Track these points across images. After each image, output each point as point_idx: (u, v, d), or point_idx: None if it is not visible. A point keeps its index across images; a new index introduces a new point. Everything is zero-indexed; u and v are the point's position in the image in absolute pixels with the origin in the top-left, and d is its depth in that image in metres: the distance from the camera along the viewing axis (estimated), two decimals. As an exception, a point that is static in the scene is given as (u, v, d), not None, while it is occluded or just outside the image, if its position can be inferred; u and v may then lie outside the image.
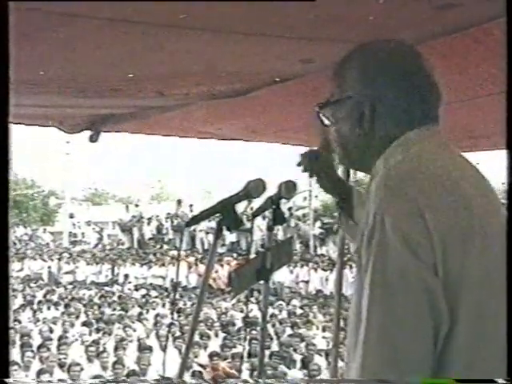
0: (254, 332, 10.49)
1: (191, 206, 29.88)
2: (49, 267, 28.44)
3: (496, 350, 1.54)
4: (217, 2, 2.11)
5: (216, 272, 22.29)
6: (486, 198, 1.64)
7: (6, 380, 1.62)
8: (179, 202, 32.35)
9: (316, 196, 32.35)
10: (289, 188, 2.62)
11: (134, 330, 14.39)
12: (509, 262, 1.53)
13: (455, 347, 1.52)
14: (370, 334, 1.52)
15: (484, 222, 1.58)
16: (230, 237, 26.31)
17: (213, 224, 2.57)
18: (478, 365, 1.54)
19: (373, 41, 1.82)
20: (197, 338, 12.54)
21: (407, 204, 1.54)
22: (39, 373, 10.49)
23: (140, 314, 17.07)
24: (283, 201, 2.63)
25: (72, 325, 15.14)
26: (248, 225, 2.65)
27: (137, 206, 35.41)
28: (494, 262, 1.55)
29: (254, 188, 2.41)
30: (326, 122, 1.85)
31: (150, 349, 11.74)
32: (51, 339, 13.11)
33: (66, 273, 27.84)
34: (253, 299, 14.82)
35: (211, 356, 11.51)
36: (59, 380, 9.38)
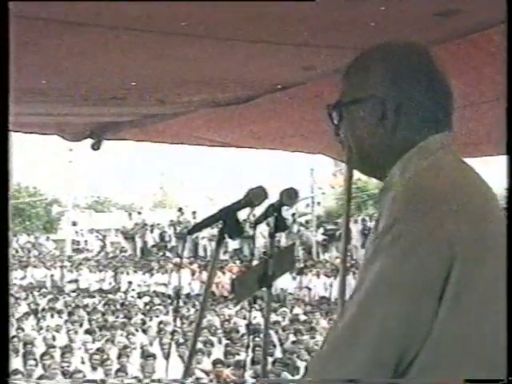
0: (257, 339, 10.47)
1: (194, 213, 29.90)
2: (52, 275, 28.44)
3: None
4: (218, 10, 2.12)
5: (219, 277, 22.29)
6: (495, 209, 1.63)
7: (7, 380, 1.62)
8: (180, 209, 32.40)
9: (319, 203, 32.37)
10: (290, 195, 2.63)
11: (134, 337, 14.38)
12: (509, 262, 1.52)
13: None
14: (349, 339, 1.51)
15: (495, 234, 1.56)
16: (232, 244, 26.30)
17: (216, 231, 2.57)
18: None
19: (395, 41, 1.78)
20: (200, 345, 12.52)
21: (426, 216, 1.51)
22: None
23: (143, 321, 17.06)
24: (285, 208, 2.64)
25: (76, 332, 15.12)
26: (250, 232, 2.65)
27: (139, 213, 35.44)
28: (500, 273, 1.54)
29: (255, 196, 2.41)
30: (337, 121, 1.77)
31: (153, 356, 11.73)
32: (54, 347, 13.10)
33: (70, 281, 27.84)
34: (256, 306, 14.81)
35: (215, 363, 11.50)
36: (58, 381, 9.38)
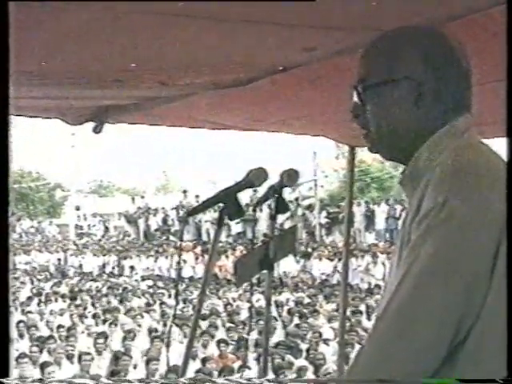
0: (261, 322, 10.50)
1: (197, 196, 29.92)
2: (57, 259, 28.52)
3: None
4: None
5: (222, 261, 22.36)
6: None
7: (6, 380, 1.61)
8: (185, 191, 32.44)
9: (322, 186, 32.36)
10: (291, 176, 2.62)
11: (138, 320, 14.43)
12: (509, 260, 1.53)
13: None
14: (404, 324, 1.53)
15: None
16: (235, 227, 26.34)
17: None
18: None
19: (420, 25, 1.85)
20: (204, 328, 12.56)
21: (476, 192, 1.55)
22: (45, 365, 10.46)
23: (147, 304, 17.12)
24: (287, 190, 2.63)
25: (79, 316, 15.18)
26: (252, 214, 2.65)
27: (142, 197, 35.50)
28: None
29: (255, 177, 2.41)
30: (361, 102, 1.81)
31: (157, 338, 11.77)
32: (58, 331, 13.16)
33: (73, 265, 27.92)
34: (260, 289, 14.86)
35: (219, 344, 11.54)
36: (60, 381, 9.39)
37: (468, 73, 1.78)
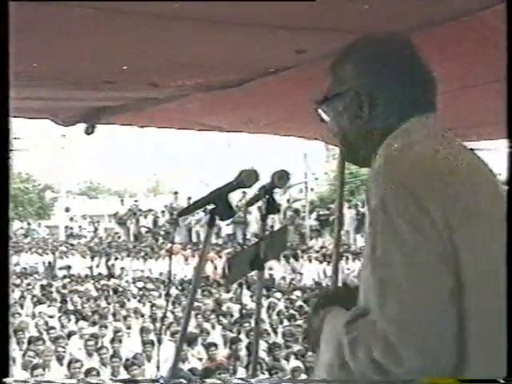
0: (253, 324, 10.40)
1: (189, 198, 29.83)
2: (47, 261, 28.37)
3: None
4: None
5: (212, 262, 22.31)
6: (490, 184, 1.69)
7: (6, 380, 1.61)
8: (176, 193, 32.40)
9: (312, 189, 32.36)
10: (282, 177, 2.63)
11: (128, 322, 14.37)
12: (509, 260, 1.53)
13: None
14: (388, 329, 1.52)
15: (490, 207, 1.61)
16: (226, 229, 26.31)
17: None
18: None
19: (367, 34, 1.87)
20: (195, 330, 12.52)
21: (408, 192, 1.56)
22: (35, 367, 10.37)
23: (137, 306, 17.05)
24: (278, 191, 2.64)
25: (69, 319, 15.09)
26: (242, 214, 2.66)
27: (135, 200, 35.42)
28: (499, 246, 1.57)
29: (246, 177, 2.42)
30: (325, 117, 1.89)
31: (151, 343, 11.70)
32: (48, 333, 13.10)
33: (62, 267, 27.78)
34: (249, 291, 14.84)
35: (208, 347, 11.47)
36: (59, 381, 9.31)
37: (424, 75, 1.78)
